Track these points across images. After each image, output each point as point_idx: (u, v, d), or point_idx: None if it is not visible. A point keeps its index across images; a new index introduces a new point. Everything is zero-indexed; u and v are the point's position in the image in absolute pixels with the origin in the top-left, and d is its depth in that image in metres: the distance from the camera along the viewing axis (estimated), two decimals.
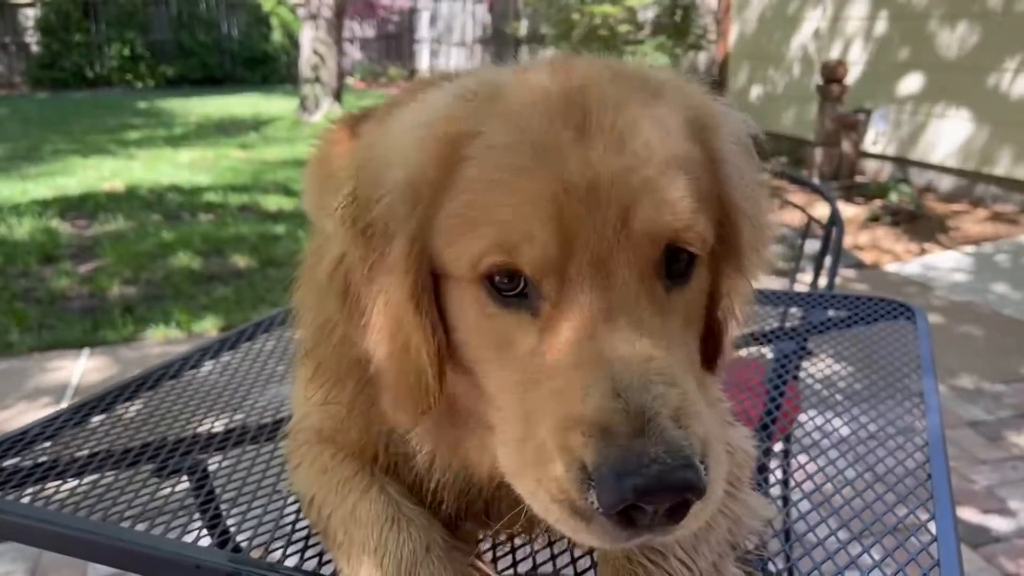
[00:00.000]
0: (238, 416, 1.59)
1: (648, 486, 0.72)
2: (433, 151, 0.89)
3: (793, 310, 1.99)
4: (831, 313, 1.84)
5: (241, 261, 6.44)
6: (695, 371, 0.94)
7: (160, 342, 5.01)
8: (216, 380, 1.76)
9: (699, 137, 0.95)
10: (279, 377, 1.78)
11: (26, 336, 5.02)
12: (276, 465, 1.37)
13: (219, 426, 1.56)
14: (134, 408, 1.61)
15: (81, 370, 4.60)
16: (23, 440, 1.45)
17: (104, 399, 1.60)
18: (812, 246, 3.16)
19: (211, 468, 1.41)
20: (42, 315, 5.35)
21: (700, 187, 0.90)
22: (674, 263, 0.90)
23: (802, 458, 1.57)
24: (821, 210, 8.28)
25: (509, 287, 0.87)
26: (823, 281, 2.90)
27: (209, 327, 5.19)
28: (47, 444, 1.45)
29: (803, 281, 3.10)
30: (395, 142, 0.95)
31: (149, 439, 1.47)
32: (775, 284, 6.00)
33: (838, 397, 1.73)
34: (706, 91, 1.02)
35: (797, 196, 8.45)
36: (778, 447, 2.00)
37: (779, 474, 2.03)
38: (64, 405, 4.09)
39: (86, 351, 4.85)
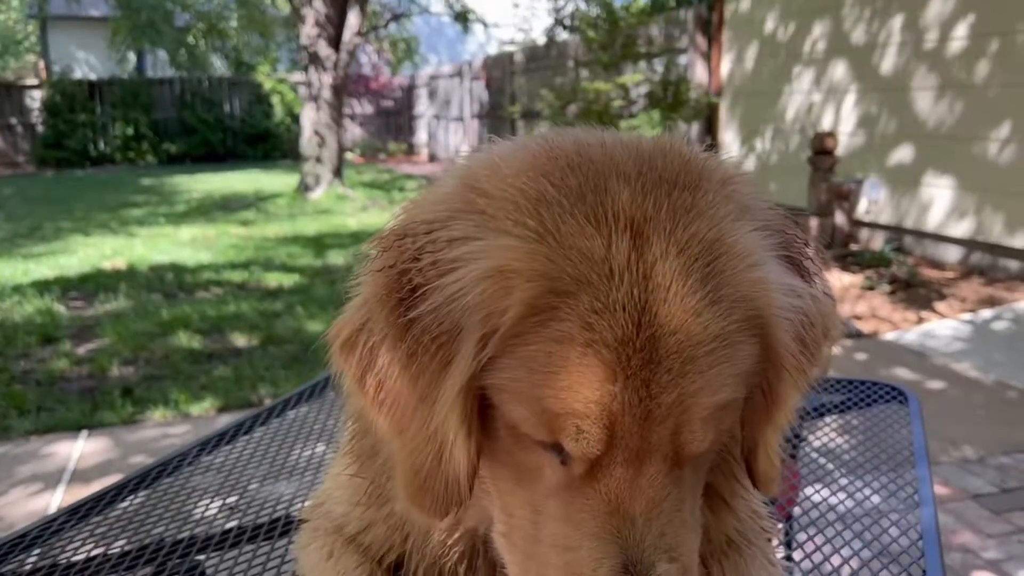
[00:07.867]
0: (236, 515, 1.59)
1: None
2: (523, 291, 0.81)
3: None
4: (825, 398, 1.85)
5: (240, 339, 6.45)
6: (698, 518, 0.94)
7: (159, 423, 4.99)
8: (214, 477, 1.76)
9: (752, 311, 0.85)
10: (276, 472, 1.78)
11: (24, 419, 5.00)
12: (272, 568, 1.36)
13: (217, 525, 1.55)
14: (132, 507, 1.61)
15: (78, 453, 4.57)
16: (21, 544, 1.45)
17: (102, 499, 1.60)
18: None
19: (208, 572, 1.40)
20: (40, 397, 5.33)
21: (746, 376, 0.86)
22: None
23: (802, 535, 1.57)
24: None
25: None
26: None
27: (208, 408, 5.17)
28: (40, 550, 1.44)
29: None
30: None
31: (146, 541, 1.46)
32: None
33: (837, 473, 1.73)
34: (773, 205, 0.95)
35: None
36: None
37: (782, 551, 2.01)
38: (61, 490, 4.07)
39: (84, 433, 4.83)
